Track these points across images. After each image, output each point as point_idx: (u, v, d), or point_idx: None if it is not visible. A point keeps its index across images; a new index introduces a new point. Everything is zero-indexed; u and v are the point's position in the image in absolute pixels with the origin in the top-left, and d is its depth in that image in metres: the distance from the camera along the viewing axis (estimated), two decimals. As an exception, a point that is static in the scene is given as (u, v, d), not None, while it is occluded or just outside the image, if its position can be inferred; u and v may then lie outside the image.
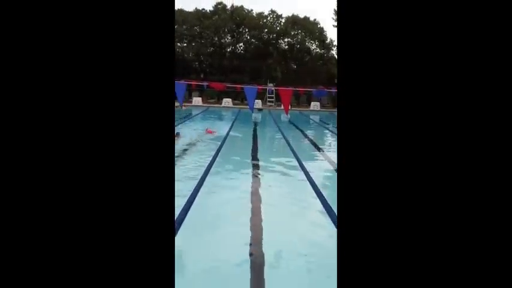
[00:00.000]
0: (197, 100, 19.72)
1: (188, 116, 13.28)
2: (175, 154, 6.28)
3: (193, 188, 3.90)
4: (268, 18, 24.54)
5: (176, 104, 15.12)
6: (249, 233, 2.99)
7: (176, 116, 12.81)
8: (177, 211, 3.12)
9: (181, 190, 3.91)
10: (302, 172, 4.94)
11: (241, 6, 24.53)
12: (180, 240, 2.67)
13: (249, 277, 2.32)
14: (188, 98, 18.95)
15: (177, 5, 25.55)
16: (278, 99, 17.85)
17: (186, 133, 8.32)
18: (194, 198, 3.58)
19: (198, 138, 7.96)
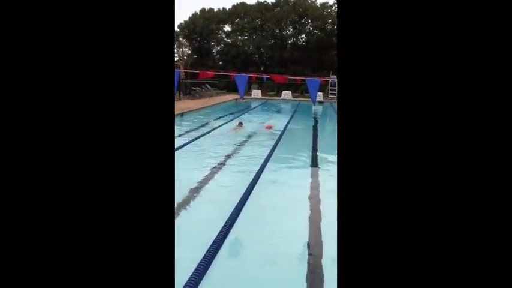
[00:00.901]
0: (256, 93, 19.79)
1: (247, 109, 13.35)
2: (236, 144, 6.32)
3: (251, 180, 3.79)
4: (333, 8, 23.58)
5: (237, 96, 15.38)
6: (307, 227, 2.85)
7: (236, 108, 13.12)
8: (234, 203, 3.04)
9: (240, 182, 3.82)
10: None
11: (304, -3, 23.95)
12: (237, 231, 2.62)
13: (305, 271, 2.22)
14: (247, 91, 19.09)
15: (240, -2, 25.84)
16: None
17: (245, 125, 8.33)
18: (251, 191, 3.46)
19: (257, 131, 7.87)
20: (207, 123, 8.70)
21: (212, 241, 2.34)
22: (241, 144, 6.38)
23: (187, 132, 7.41)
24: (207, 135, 7.05)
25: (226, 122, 8.89)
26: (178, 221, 2.93)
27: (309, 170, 4.74)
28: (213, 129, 7.69)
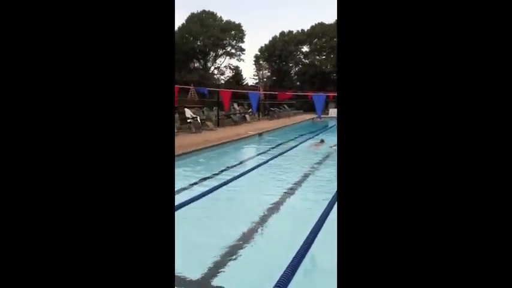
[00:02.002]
0: (333, 111, 19.60)
1: (324, 128, 13.35)
2: (316, 161, 6.49)
3: (330, 198, 3.90)
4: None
5: (313, 115, 15.49)
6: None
7: (313, 127, 13.23)
8: (313, 222, 3.16)
9: (319, 199, 3.95)
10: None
11: (385, 13, 23.22)
12: (314, 248, 2.71)
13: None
14: (324, 110, 19.05)
15: (317, 19, 26.19)
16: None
17: (326, 142, 8.49)
18: (331, 209, 3.57)
19: (331, 150, 7.90)
20: (284, 142, 9.06)
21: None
22: (321, 161, 6.52)
23: (267, 150, 7.85)
24: (289, 152, 7.41)
25: (306, 140, 9.19)
26: (256, 238, 3.20)
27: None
28: (293, 148, 8.00)
